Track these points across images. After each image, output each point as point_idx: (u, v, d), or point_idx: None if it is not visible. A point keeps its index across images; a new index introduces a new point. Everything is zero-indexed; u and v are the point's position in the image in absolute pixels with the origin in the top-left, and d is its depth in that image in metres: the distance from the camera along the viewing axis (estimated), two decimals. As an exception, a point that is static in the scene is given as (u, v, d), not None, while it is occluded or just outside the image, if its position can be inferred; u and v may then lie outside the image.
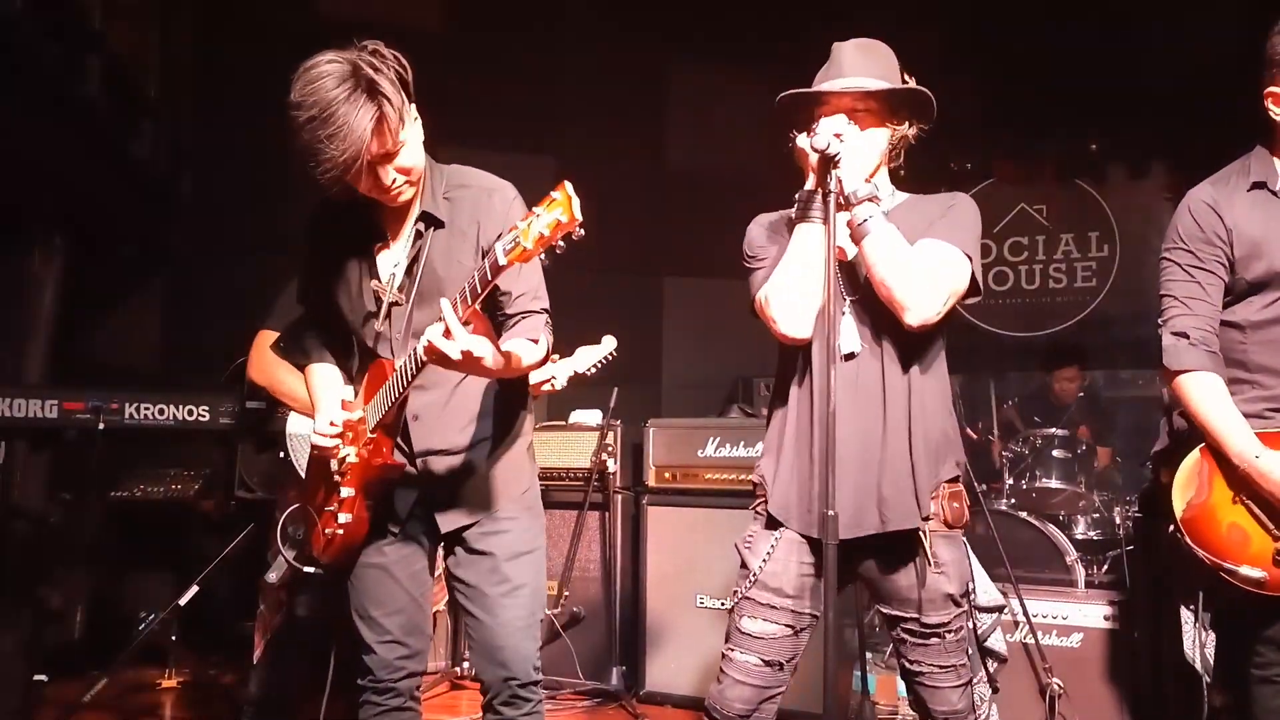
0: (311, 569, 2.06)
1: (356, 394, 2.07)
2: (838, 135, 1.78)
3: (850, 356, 1.89)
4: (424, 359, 1.78)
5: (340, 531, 1.98)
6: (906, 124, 1.97)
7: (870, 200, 1.83)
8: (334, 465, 1.99)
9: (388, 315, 1.98)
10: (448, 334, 1.68)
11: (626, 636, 3.83)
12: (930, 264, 1.85)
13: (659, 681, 3.71)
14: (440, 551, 2.08)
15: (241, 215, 4.50)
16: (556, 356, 3.38)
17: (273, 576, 2.68)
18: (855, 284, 1.93)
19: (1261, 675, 2.08)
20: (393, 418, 1.94)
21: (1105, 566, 4.26)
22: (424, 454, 1.98)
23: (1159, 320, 2.17)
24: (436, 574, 2.12)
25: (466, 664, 4.07)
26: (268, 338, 2.81)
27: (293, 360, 2.25)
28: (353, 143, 1.74)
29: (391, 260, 2.01)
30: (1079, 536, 4.39)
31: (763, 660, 1.91)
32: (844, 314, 1.91)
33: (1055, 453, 4.62)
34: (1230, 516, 2.06)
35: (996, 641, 2.84)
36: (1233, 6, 3.99)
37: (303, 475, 2.50)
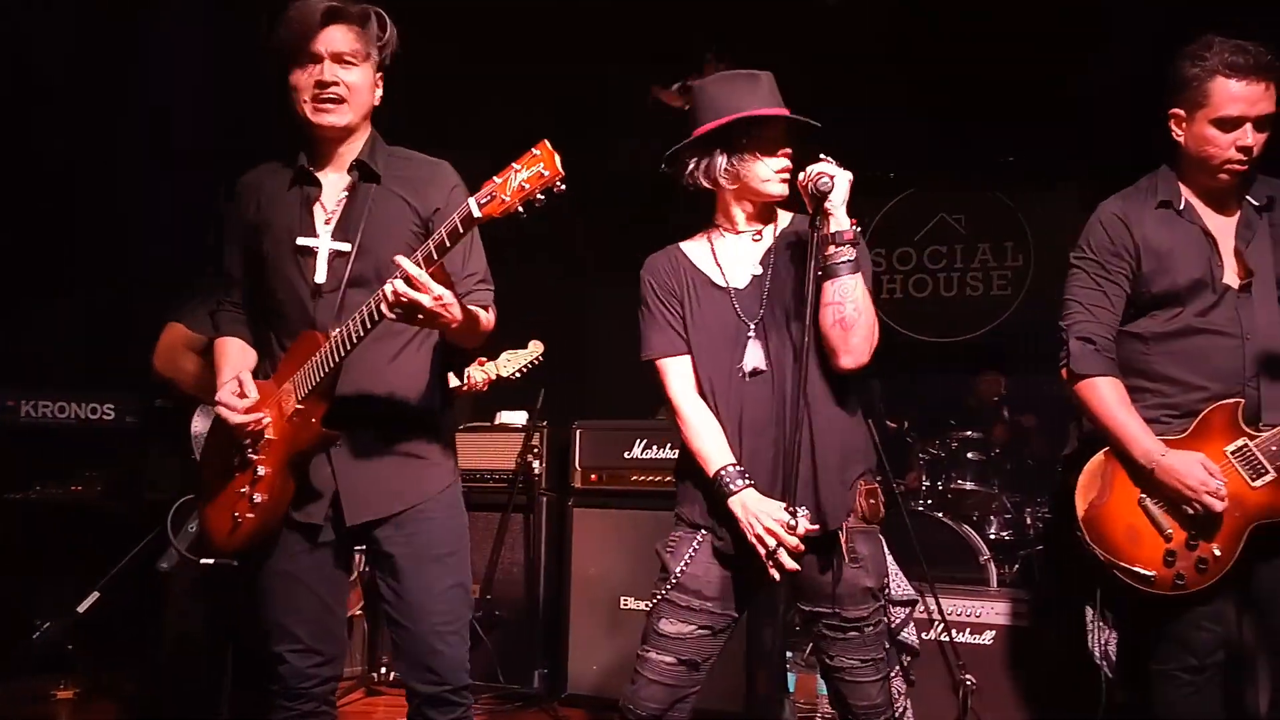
0: (212, 560, 1.99)
1: (270, 372, 1.99)
2: (829, 175, 1.88)
3: (756, 373, 1.96)
4: (384, 312, 1.73)
5: (251, 515, 1.90)
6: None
7: (851, 243, 1.90)
8: (247, 442, 1.91)
9: (328, 267, 1.93)
10: (414, 285, 1.68)
11: (549, 639, 3.81)
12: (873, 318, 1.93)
13: (582, 684, 3.69)
14: (359, 556, 2.03)
15: (153, 206, 4.32)
16: (484, 359, 3.34)
17: (164, 565, 2.57)
18: (755, 309, 1.99)
19: (1162, 670, 2.16)
20: (328, 385, 1.87)
21: (1016, 566, 4.40)
22: (345, 431, 1.91)
23: (1062, 324, 2.25)
24: (353, 576, 2.06)
25: (384, 669, 3.99)
26: (175, 331, 2.71)
27: (201, 330, 2.18)
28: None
29: (323, 215, 1.98)
30: (991, 537, 4.52)
31: (679, 660, 1.93)
32: (750, 337, 1.97)
33: (970, 455, 4.75)
34: (1127, 518, 2.15)
35: (909, 635, 2.91)
36: (1143, 31, 4.17)
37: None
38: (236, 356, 2.04)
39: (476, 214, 1.64)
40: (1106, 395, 2.16)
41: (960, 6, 4.39)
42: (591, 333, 5.67)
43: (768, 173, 1.97)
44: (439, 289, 1.71)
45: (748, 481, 1.90)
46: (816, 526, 1.86)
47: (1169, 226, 2.19)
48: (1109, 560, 2.13)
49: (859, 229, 1.91)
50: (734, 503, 1.88)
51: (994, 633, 3.21)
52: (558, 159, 1.60)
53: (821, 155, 1.91)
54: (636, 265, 2.12)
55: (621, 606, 3.64)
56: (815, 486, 1.90)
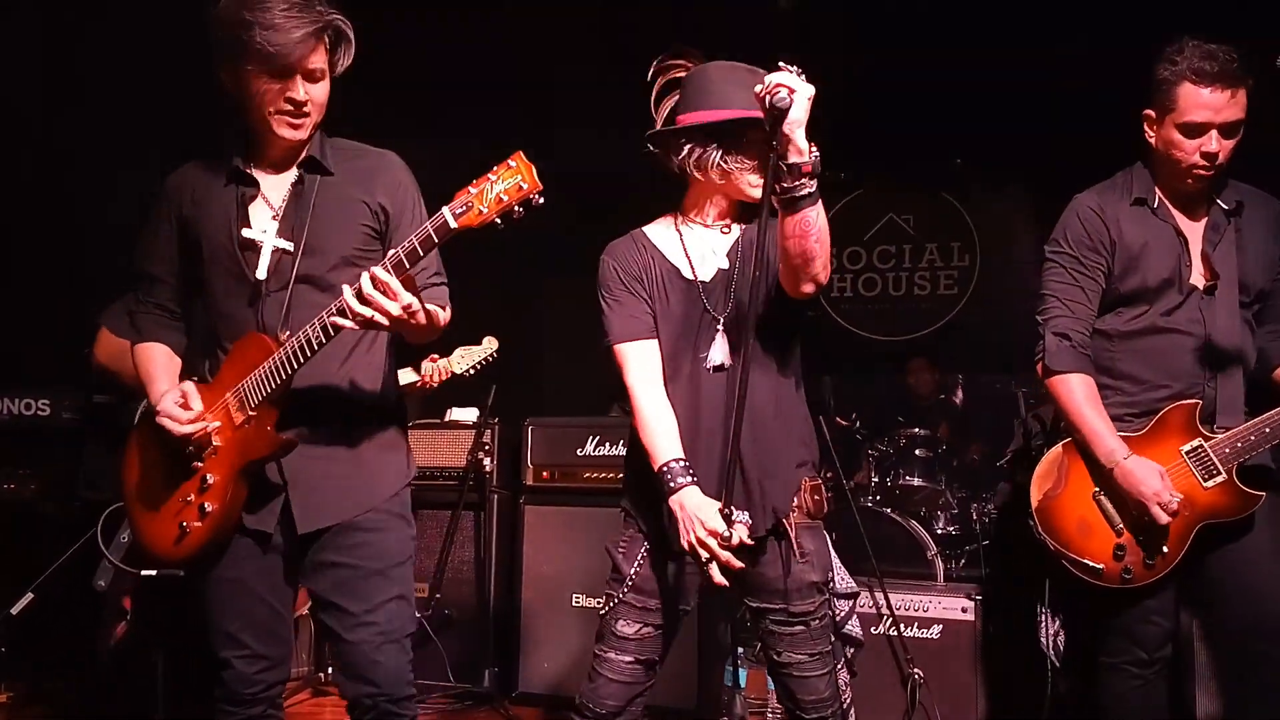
0: (153, 571, 1.93)
1: (210, 374, 1.93)
2: (788, 87, 1.68)
3: (720, 369, 1.94)
4: (345, 323, 1.70)
5: (200, 524, 1.85)
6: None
7: (810, 175, 1.74)
8: (191, 449, 1.86)
9: (273, 267, 1.87)
10: (385, 293, 1.67)
11: (500, 638, 3.78)
12: None
13: (533, 682, 3.67)
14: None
15: (91, 199, 4.19)
16: (437, 355, 3.31)
17: (101, 583, 2.50)
18: (722, 303, 1.97)
19: (1110, 663, 2.21)
20: (280, 394, 1.82)
21: (963, 561, 4.48)
22: (294, 438, 1.86)
23: (1039, 317, 2.26)
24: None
25: (331, 669, 3.93)
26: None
27: (121, 335, 2.11)
28: (311, 20, 1.77)
29: (267, 211, 1.91)
30: (939, 532, 4.59)
31: (637, 660, 1.95)
32: (718, 330, 1.95)
33: (918, 451, 4.83)
34: (1080, 511, 2.19)
35: (853, 627, 2.95)
36: (1083, 37, 4.28)
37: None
38: (165, 365, 1.97)
39: (453, 224, 1.63)
40: (1077, 392, 2.18)
41: (911, 10, 4.46)
42: (543, 329, 5.65)
43: (756, 177, 1.94)
44: (408, 297, 1.69)
45: (690, 479, 1.86)
46: (753, 542, 1.85)
47: (1143, 223, 2.20)
48: (1059, 551, 2.17)
49: (818, 155, 1.74)
50: (673, 501, 1.85)
51: (941, 626, 3.27)
52: (535, 171, 1.60)
53: (781, 63, 1.73)
54: (588, 261, 2.10)
55: (573, 604, 3.63)
56: (759, 483, 1.91)
